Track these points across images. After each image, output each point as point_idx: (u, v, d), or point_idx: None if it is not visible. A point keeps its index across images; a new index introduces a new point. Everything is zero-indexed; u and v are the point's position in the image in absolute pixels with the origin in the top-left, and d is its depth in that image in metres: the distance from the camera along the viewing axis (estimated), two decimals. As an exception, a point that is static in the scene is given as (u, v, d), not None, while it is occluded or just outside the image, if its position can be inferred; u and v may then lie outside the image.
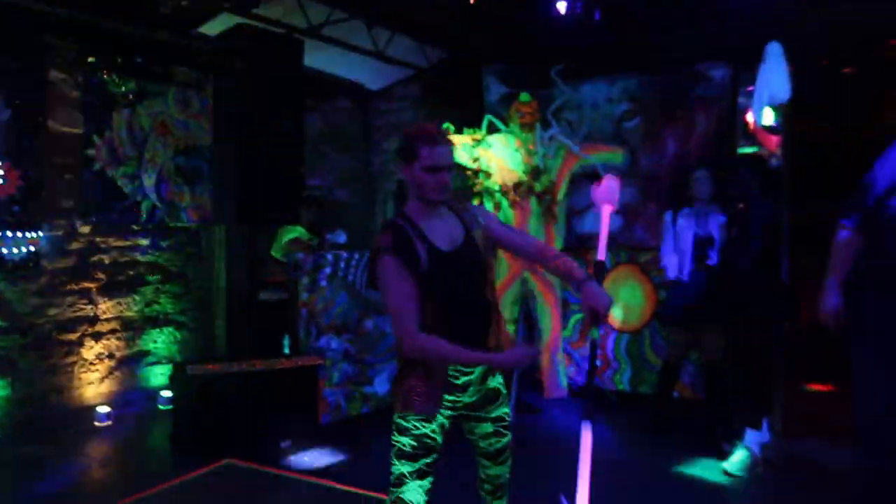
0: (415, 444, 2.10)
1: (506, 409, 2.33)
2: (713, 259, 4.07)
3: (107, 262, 4.78)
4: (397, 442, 2.12)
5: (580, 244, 5.32)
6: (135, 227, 4.91)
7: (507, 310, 4.79)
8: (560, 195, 4.68)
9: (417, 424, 2.12)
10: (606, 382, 5.18)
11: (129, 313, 4.94)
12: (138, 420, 4.73)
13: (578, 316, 5.30)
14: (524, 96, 4.66)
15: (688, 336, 4.25)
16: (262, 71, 3.94)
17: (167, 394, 4.75)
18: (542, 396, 4.84)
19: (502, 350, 2.25)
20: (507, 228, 2.35)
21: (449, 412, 2.20)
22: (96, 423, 4.59)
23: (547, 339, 4.73)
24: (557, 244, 4.75)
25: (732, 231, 4.05)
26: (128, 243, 4.90)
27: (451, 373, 2.15)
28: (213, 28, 4.61)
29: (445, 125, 4.83)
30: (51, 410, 4.46)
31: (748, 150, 4.90)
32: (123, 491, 3.34)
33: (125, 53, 4.73)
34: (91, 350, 4.71)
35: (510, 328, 4.79)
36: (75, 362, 4.62)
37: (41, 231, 4.39)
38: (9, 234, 4.21)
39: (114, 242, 4.81)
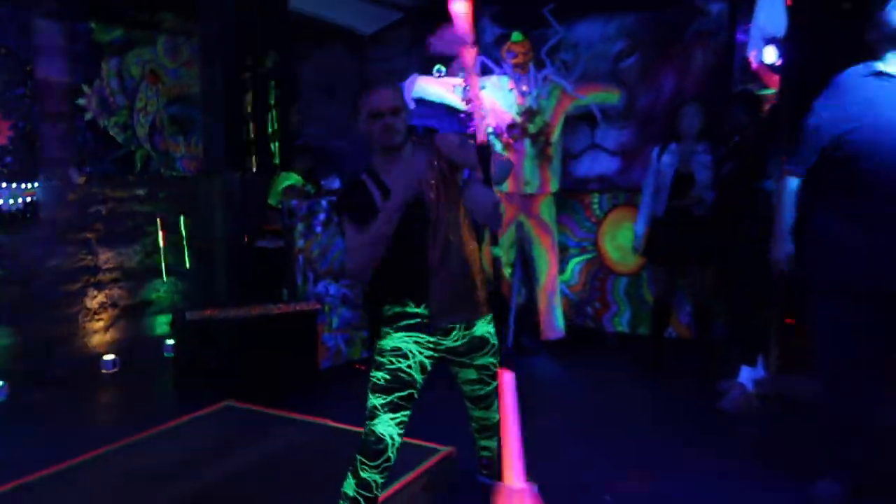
0: (388, 377, 2.14)
1: (492, 360, 2.36)
2: (707, 196, 4.06)
3: (104, 212, 4.80)
4: (373, 377, 2.17)
5: (576, 187, 5.30)
6: (130, 178, 4.91)
7: (505, 253, 4.80)
8: (554, 136, 4.64)
9: (393, 360, 2.16)
10: (605, 324, 5.22)
11: (130, 264, 4.99)
12: (144, 367, 4.82)
13: (577, 259, 5.32)
14: (516, 36, 4.57)
15: (671, 274, 4.28)
16: (246, 14, 3.87)
17: (171, 342, 4.83)
18: (539, 338, 4.89)
19: (482, 295, 2.31)
20: (454, 145, 2.21)
21: (430, 352, 2.23)
22: (103, 371, 4.70)
23: (543, 281, 4.75)
24: (553, 186, 4.72)
25: (724, 166, 4.02)
26: (125, 193, 4.92)
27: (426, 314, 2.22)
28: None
29: (437, 67, 4.77)
30: (57, 359, 4.54)
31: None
32: (128, 433, 3.43)
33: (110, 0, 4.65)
34: (94, 300, 4.77)
35: (507, 271, 4.81)
36: (79, 311, 4.69)
37: (37, 182, 4.40)
38: (3, 185, 4.22)
39: (111, 193, 4.83)
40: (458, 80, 4.72)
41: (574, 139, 5.27)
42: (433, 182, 2.18)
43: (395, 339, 2.19)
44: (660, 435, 3.51)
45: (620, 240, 5.09)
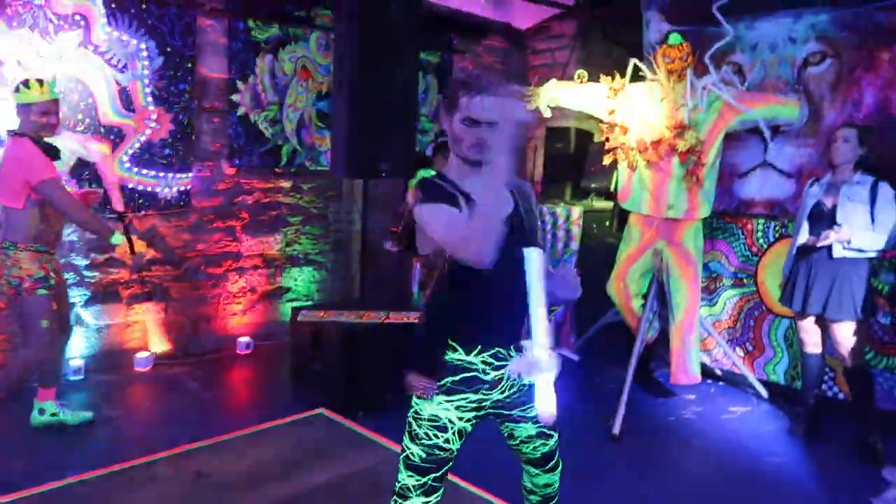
0: (423, 455, 1.91)
1: None
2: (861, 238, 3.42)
3: (250, 202, 5.06)
4: (407, 448, 1.94)
5: (739, 210, 4.62)
6: (276, 170, 5.12)
7: (635, 283, 4.33)
8: (709, 156, 4.02)
9: (430, 432, 1.90)
10: (758, 371, 4.54)
11: (271, 252, 5.24)
12: (275, 352, 5.07)
13: (731, 292, 4.66)
14: (673, 38, 4.00)
15: (810, 323, 3.75)
16: (373, 13, 3.77)
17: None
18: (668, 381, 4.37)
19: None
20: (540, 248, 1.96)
21: (472, 414, 1.94)
22: (238, 352, 5.01)
23: (680, 317, 4.20)
24: (702, 212, 4.13)
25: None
26: (270, 185, 5.14)
27: (478, 366, 1.91)
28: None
29: (578, 72, 4.35)
30: (199, 336, 4.91)
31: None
32: (236, 422, 3.62)
33: (268, -1, 4.82)
34: (235, 284, 5.08)
35: (636, 303, 4.33)
36: (220, 294, 5.02)
37: (191, 172, 4.72)
38: (161, 174, 4.58)
39: (257, 184, 5.07)
40: (602, 86, 4.28)
41: (742, 155, 4.58)
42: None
43: (434, 405, 1.93)
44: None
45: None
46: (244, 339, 5.03)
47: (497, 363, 1.92)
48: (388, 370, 4.08)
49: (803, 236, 3.64)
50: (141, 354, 4.60)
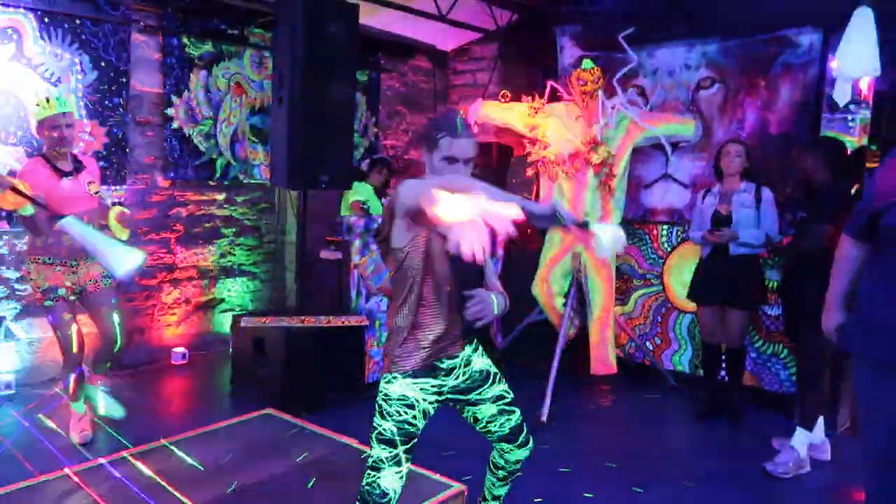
0: (395, 429, 2.11)
1: (502, 387, 2.31)
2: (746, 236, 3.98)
3: (184, 214, 5.13)
4: (378, 425, 2.14)
5: (645, 217, 5.14)
6: (210, 183, 5.22)
7: (557, 283, 4.73)
8: (619, 168, 4.50)
9: (400, 410, 2.12)
10: (665, 363, 5.03)
11: (205, 263, 5.31)
12: (209, 363, 5.14)
13: (640, 292, 5.15)
14: (586, 63, 4.47)
15: (713, 316, 4.21)
16: (315, 35, 4.01)
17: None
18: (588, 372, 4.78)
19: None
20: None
21: (434, 397, 2.18)
22: (172, 363, 5.05)
23: (597, 314, 4.63)
24: (615, 219, 4.59)
25: (799, 212, 3.82)
26: (204, 197, 5.24)
27: (434, 356, 2.16)
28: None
29: (503, 92, 4.75)
30: (133, 348, 4.91)
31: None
32: (178, 428, 3.69)
33: (202, 16, 4.95)
34: (169, 295, 5.12)
35: (559, 301, 4.73)
36: (155, 305, 5.05)
37: (125, 185, 4.77)
38: (96, 187, 4.59)
39: (192, 196, 5.15)
40: (523, 105, 4.68)
41: (647, 168, 5.10)
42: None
43: (401, 386, 2.15)
44: (696, 488, 3.37)
45: (687, 276, 4.86)
46: (179, 350, 5.08)
47: (450, 352, 2.20)
48: (329, 372, 4.31)
49: (716, 235, 4.07)
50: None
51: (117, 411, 3.82)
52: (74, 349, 3.57)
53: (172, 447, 3.29)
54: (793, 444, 3.61)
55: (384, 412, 2.14)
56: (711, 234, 4.03)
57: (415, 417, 2.13)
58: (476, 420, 2.33)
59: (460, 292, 2.11)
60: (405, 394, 2.14)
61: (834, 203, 3.54)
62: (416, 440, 2.15)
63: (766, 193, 4.00)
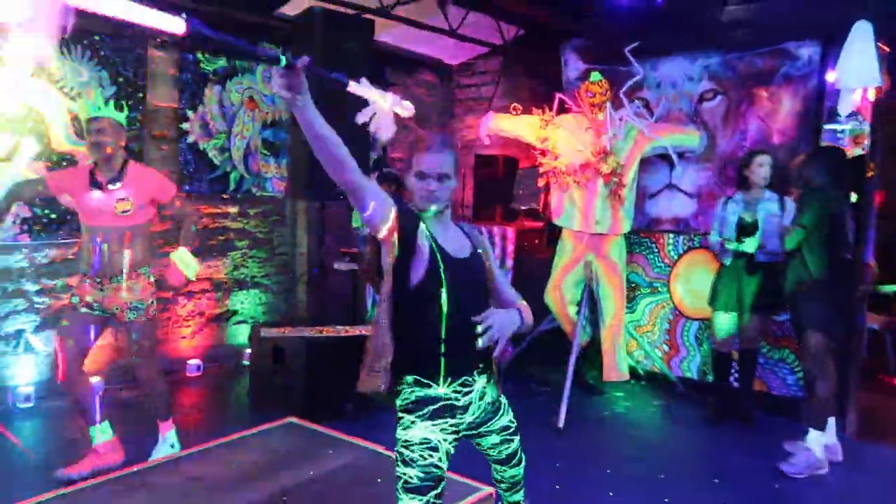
0: (421, 475, 1.98)
1: (509, 417, 2.27)
2: (771, 245, 4.07)
3: (199, 227, 5.17)
4: (403, 474, 2.00)
5: (651, 226, 5.25)
6: (224, 196, 5.29)
7: (569, 291, 4.83)
8: (628, 178, 4.62)
9: (424, 454, 2.00)
10: (674, 369, 5.13)
11: (219, 275, 5.37)
12: (224, 374, 5.18)
13: (648, 299, 5.25)
14: (594, 76, 4.60)
15: (734, 323, 4.31)
16: (331, 49, 4.10)
17: (249, 351, 5.15)
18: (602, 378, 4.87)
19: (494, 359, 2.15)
20: (495, 264, 2.26)
21: (452, 437, 2.08)
22: (187, 374, 5.09)
23: (609, 321, 4.73)
24: (624, 227, 4.71)
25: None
26: (218, 210, 5.30)
27: (451, 396, 2.06)
28: (293, 10, 4.83)
29: (513, 105, 4.87)
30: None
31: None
32: (200, 439, 3.72)
33: (216, 31, 5.03)
34: (184, 307, 5.17)
35: (571, 309, 4.82)
36: (170, 318, 5.09)
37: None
38: (113, 200, 4.64)
39: (205, 209, 5.22)
40: (534, 117, 4.80)
41: (652, 178, 5.22)
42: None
43: (421, 430, 2.03)
44: (709, 491, 3.45)
45: (694, 284, 4.99)
46: (194, 362, 5.12)
47: (465, 389, 2.07)
48: (347, 382, 4.36)
49: (735, 244, 4.19)
50: (91, 379, 4.58)
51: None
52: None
53: (200, 457, 3.34)
54: (807, 444, 3.70)
55: (407, 459, 2.01)
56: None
57: (440, 460, 2.01)
58: (478, 444, 2.30)
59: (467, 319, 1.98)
60: (426, 437, 2.02)
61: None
62: (444, 484, 2.03)
63: (789, 203, 4.12)
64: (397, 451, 2.04)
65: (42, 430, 4.08)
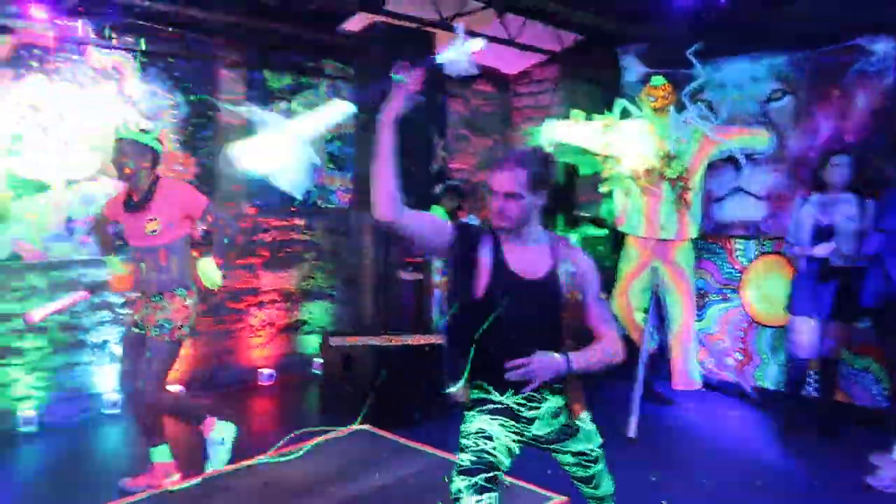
0: (473, 458, 2.06)
1: (591, 446, 2.28)
2: (847, 249, 3.92)
3: (268, 240, 5.36)
4: (459, 460, 2.10)
5: (718, 231, 5.13)
6: (292, 209, 5.45)
7: (636, 298, 4.76)
8: (694, 181, 4.54)
9: (478, 441, 2.09)
10: (747, 377, 4.98)
11: (288, 286, 5.52)
12: (295, 382, 5.32)
13: (718, 306, 5.13)
14: (656, 80, 4.55)
15: (812, 330, 4.15)
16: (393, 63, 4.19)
17: (319, 360, 5.27)
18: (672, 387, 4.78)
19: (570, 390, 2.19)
20: (591, 287, 2.22)
21: (514, 437, 2.16)
22: (260, 383, 5.24)
23: (677, 329, 4.65)
24: (691, 232, 4.62)
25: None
26: (286, 223, 5.46)
27: (517, 404, 2.16)
28: (356, 25, 4.95)
29: (574, 111, 4.85)
30: (224, 369, 5.14)
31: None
32: (273, 446, 3.83)
33: (281, 50, 5.22)
34: (256, 318, 5.34)
35: (639, 316, 4.76)
36: (243, 328, 5.26)
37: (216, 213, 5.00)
38: (188, 216, 4.84)
39: (274, 223, 5.38)
40: (596, 123, 4.77)
41: (718, 181, 5.11)
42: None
43: (479, 421, 2.14)
44: (796, 502, 3.34)
45: (767, 290, 4.85)
46: (266, 371, 5.27)
47: (530, 404, 2.15)
48: (415, 390, 4.42)
49: (818, 249, 4.02)
50: (171, 388, 4.78)
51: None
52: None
53: (274, 463, 3.44)
54: (895, 457, 3.55)
55: (463, 447, 2.12)
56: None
57: (494, 449, 2.08)
58: (555, 459, 2.34)
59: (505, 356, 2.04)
60: (482, 427, 2.12)
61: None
62: (498, 472, 2.07)
63: (870, 205, 3.95)
64: (459, 443, 2.14)
65: (125, 435, 4.26)
